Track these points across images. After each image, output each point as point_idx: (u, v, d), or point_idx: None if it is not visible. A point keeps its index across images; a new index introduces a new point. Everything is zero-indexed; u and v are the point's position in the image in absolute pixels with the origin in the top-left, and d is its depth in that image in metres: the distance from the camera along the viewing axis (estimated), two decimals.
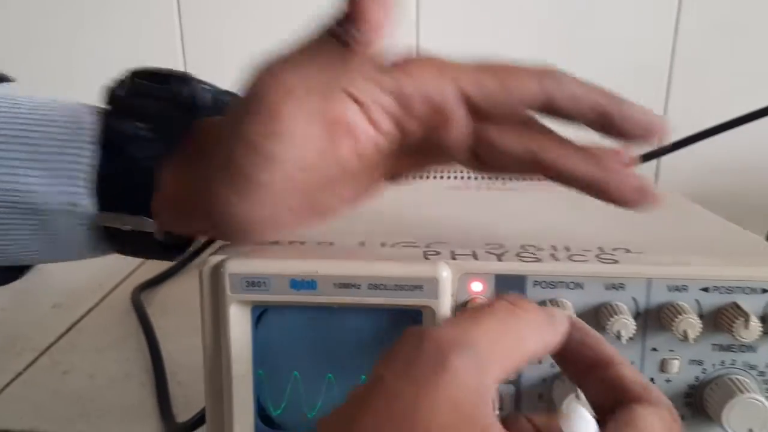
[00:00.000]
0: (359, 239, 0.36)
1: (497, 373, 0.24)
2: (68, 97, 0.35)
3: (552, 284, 0.32)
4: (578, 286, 0.31)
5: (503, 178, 0.56)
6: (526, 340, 0.26)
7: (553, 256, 0.33)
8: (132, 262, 0.77)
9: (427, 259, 0.32)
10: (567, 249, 0.34)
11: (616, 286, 0.31)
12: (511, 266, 0.32)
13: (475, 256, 0.33)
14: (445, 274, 0.32)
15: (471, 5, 0.70)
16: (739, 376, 0.31)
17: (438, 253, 0.33)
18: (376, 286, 0.32)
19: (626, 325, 0.30)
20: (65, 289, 0.71)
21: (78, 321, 0.64)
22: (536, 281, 0.32)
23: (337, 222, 0.40)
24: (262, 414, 0.35)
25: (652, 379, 0.32)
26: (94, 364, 0.57)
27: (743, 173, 0.70)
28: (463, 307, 0.32)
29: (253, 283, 0.32)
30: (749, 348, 0.31)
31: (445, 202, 0.48)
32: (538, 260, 0.32)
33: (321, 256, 0.33)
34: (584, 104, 0.30)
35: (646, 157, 0.60)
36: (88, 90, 0.38)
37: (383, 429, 0.22)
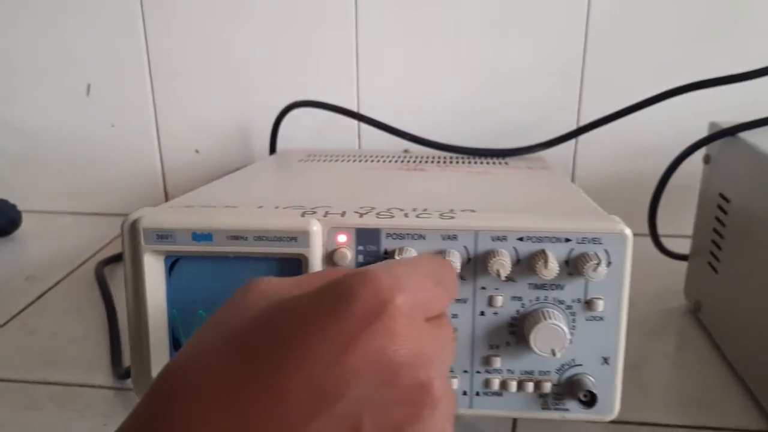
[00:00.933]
0: (260, 204, 0.44)
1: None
2: None
3: (400, 236, 0.39)
4: (421, 237, 0.39)
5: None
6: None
7: (406, 214, 0.40)
8: (101, 240, 0.85)
9: (303, 216, 0.40)
10: (425, 209, 0.42)
11: (451, 237, 0.39)
12: (368, 221, 0.40)
13: (342, 215, 0.40)
14: (315, 228, 0.39)
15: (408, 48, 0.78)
16: (549, 309, 0.39)
17: (314, 212, 0.41)
18: (260, 237, 0.39)
19: (455, 264, 0.38)
20: (39, 262, 0.79)
21: (47, 291, 0.72)
22: (388, 233, 0.39)
23: (246, 190, 0.47)
24: (177, 347, 0.43)
25: (482, 312, 0.40)
26: (58, 325, 0.65)
27: (645, 156, 0.77)
28: (332, 254, 0.40)
29: (163, 236, 0.40)
30: (558, 286, 0.39)
31: (357, 178, 0.56)
32: (391, 217, 0.40)
33: (218, 213, 0.41)
34: None
35: (565, 138, 0.69)
36: None
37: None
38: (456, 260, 0.38)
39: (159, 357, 0.42)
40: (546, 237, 0.39)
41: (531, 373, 0.40)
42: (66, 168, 0.92)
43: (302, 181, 0.53)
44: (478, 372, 0.40)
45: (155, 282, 0.41)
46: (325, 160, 0.66)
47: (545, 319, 0.38)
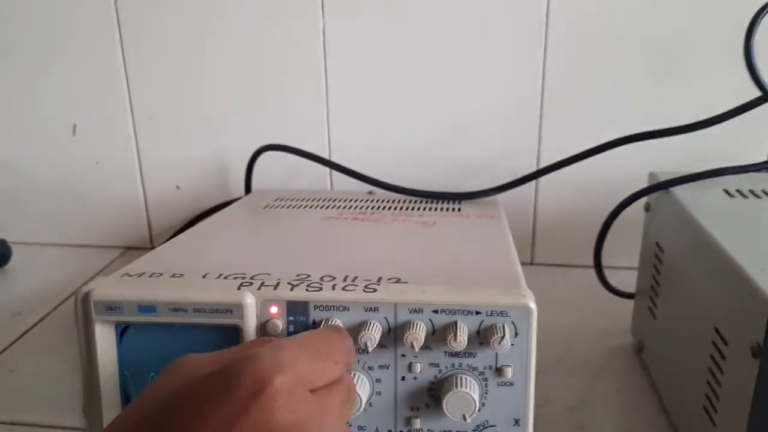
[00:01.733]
0: (205, 271, 0.48)
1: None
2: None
3: (328, 308, 0.43)
4: (345, 309, 0.43)
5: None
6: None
7: (333, 286, 0.44)
8: (87, 273, 0.89)
9: (239, 289, 0.44)
10: (354, 279, 0.45)
11: (372, 309, 0.43)
12: (298, 294, 0.43)
13: (276, 286, 0.44)
14: (249, 300, 0.43)
15: (376, 49, 0.81)
16: (463, 375, 0.42)
17: (250, 284, 0.44)
18: (198, 309, 0.43)
19: (371, 340, 0.41)
20: (26, 297, 0.83)
21: (31, 327, 0.76)
22: (316, 305, 0.43)
23: (197, 254, 0.51)
24: (129, 401, 0.47)
25: (403, 377, 0.43)
26: (38, 364, 0.69)
27: (605, 193, 0.81)
28: (265, 325, 0.43)
29: (112, 307, 0.44)
30: (471, 354, 0.42)
31: (303, 234, 0.59)
32: (319, 289, 0.43)
33: (162, 286, 0.44)
34: None
35: (527, 179, 0.72)
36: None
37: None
38: (376, 332, 0.42)
39: (110, 413, 0.46)
40: (458, 310, 0.42)
41: None
42: (54, 202, 0.96)
43: (254, 240, 0.57)
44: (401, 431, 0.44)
45: (106, 349, 0.45)
46: (290, 206, 0.69)
47: (457, 387, 0.41)
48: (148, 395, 0.34)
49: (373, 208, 0.69)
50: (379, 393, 0.44)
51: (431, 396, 0.43)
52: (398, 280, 0.45)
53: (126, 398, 0.47)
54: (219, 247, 0.55)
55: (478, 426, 0.43)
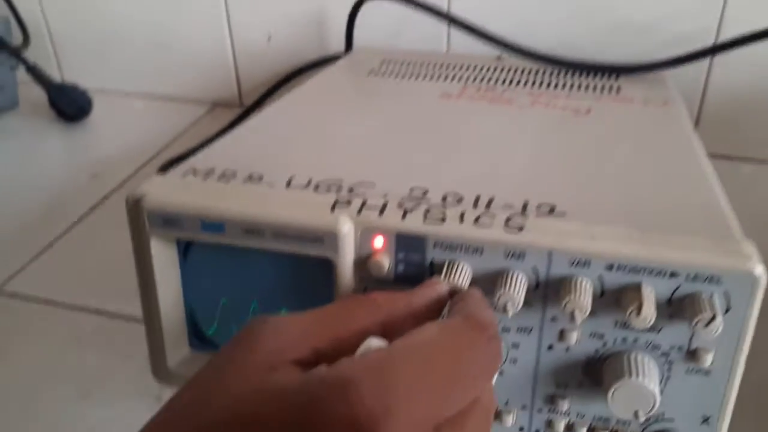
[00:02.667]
0: (291, 172, 0.36)
1: None
2: None
3: (452, 247, 0.31)
4: (478, 251, 0.31)
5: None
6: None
7: (461, 216, 0.31)
8: (170, 131, 0.80)
9: (333, 210, 0.32)
10: (489, 203, 0.33)
11: (516, 255, 0.30)
12: (412, 225, 0.31)
13: (382, 211, 0.32)
14: (346, 228, 0.31)
15: None
16: (638, 354, 0.30)
17: (348, 204, 0.32)
18: (278, 234, 0.32)
19: (513, 300, 0.29)
20: (105, 156, 0.75)
21: (109, 194, 0.69)
22: (436, 243, 0.31)
23: (288, 151, 0.39)
24: (198, 335, 0.38)
25: (550, 346, 0.32)
26: (117, 240, 0.62)
27: None
28: (366, 261, 0.32)
29: (169, 221, 0.33)
30: (654, 328, 0.30)
31: (420, 121, 0.46)
32: (441, 221, 0.31)
33: (233, 197, 0.33)
34: None
35: (706, 53, 0.55)
36: None
37: None
38: (519, 288, 0.30)
39: (176, 348, 0.37)
40: (644, 268, 0.29)
41: (606, 420, 0.32)
42: (138, 49, 0.86)
43: (354, 125, 0.44)
44: (540, 410, 0.33)
45: (166, 268, 0.35)
46: (398, 75, 0.56)
47: (630, 372, 0.29)
48: (192, 410, 0.23)
49: (503, 81, 0.54)
50: (514, 361, 0.32)
51: (587, 374, 0.32)
52: (552, 210, 0.32)
53: (194, 328, 0.38)
54: (310, 133, 0.43)
55: (648, 418, 0.32)
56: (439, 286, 0.29)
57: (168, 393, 0.45)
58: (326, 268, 0.33)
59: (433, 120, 0.46)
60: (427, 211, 0.32)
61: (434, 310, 0.28)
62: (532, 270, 0.30)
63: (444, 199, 0.33)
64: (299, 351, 0.24)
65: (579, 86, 0.53)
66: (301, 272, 0.34)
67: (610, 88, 0.52)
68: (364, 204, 0.32)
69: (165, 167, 0.71)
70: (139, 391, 0.46)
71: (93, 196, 0.68)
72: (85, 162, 0.75)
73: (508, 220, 0.31)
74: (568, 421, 0.33)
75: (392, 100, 0.50)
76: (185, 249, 0.36)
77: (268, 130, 0.44)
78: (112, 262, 0.59)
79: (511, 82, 0.54)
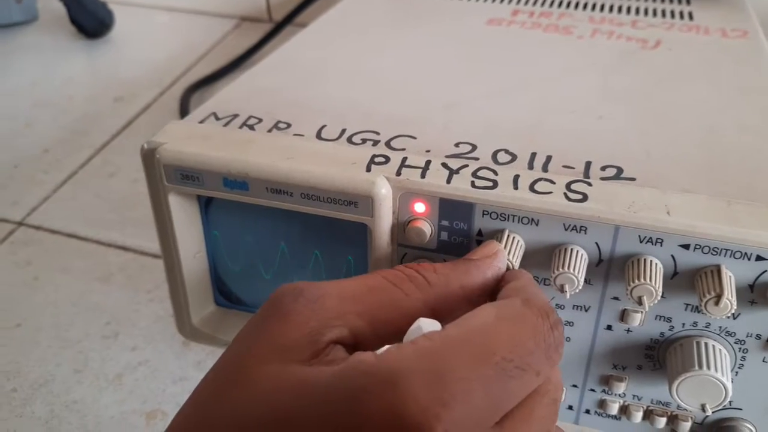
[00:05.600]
0: (323, 121, 0.32)
1: None
2: None
3: (503, 216, 0.27)
4: (533, 222, 0.27)
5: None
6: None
7: (516, 180, 0.27)
8: (195, 50, 0.76)
9: (369, 170, 0.28)
10: (546, 163, 0.29)
11: (578, 229, 0.26)
12: (459, 190, 0.27)
13: (424, 171, 0.28)
14: (384, 191, 0.28)
15: None
16: (708, 341, 0.27)
17: (386, 161, 0.29)
18: (309, 196, 0.29)
19: (572, 281, 0.26)
20: (128, 78, 0.72)
21: (133, 119, 0.66)
22: (485, 211, 0.27)
23: (318, 90, 0.36)
24: (222, 288, 0.36)
25: (609, 326, 0.28)
26: (139, 169, 0.59)
27: None
28: (405, 226, 0.28)
29: (188, 176, 0.30)
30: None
31: (465, 52, 0.41)
32: (493, 186, 0.27)
33: (259, 152, 0.30)
34: None
35: None
36: None
37: None
38: (580, 266, 0.26)
39: (200, 305, 0.35)
40: (726, 249, 0.25)
41: (666, 405, 0.29)
42: None
43: (391, 59, 0.40)
44: (592, 390, 0.30)
45: (187, 223, 0.33)
46: None
47: (701, 364, 0.26)
48: (226, 401, 0.21)
49: (560, 3, 0.48)
50: (567, 339, 0.29)
51: (649, 357, 0.29)
52: (620, 173, 0.28)
53: (218, 284, 0.35)
54: (343, 68, 0.39)
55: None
56: (499, 261, 0.25)
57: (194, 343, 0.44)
58: (360, 233, 0.30)
59: (479, 52, 0.41)
60: (475, 173, 0.28)
61: (490, 290, 0.25)
62: (594, 245, 0.26)
63: (494, 156, 0.29)
64: (337, 330, 0.22)
65: (645, 10, 0.47)
66: (334, 225, 0.31)
67: (681, 13, 0.46)
68: (404, 162, 0.29)
69: (189, 91, 0.67)
70: (166, 336, 0.45)
71: (116, 121, 0.65)
72: (108, 83, 0.71)
73: (569, 185, 0.27)
74: (623, 403, 0.30)
75: (433, 25, 0.45)
76: (207, 200, 0.33)
77: (295, 64, 0.40)
78: (136, 195, 0.57)
79: (568, 4, 0.48)
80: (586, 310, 0.28)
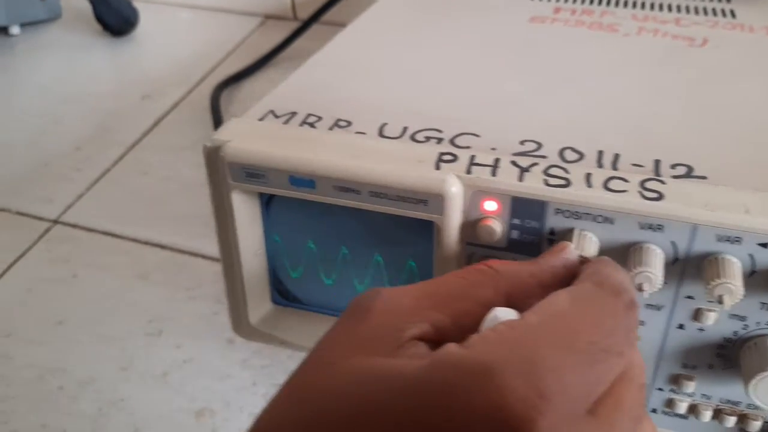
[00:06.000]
0: (383, 119, 0.32)
1: None
2: None
3: (577, 214, 0.27)
4: (608, 220, 0.27)
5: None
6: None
7: (589, 178, 0.27)
8: (221, 47, 0.75)
9: (438, 168, 0.28)
10: (614, 161, 0.29)
11: (654, 227, 0.26)
12: (532, 189, 0.27)
13: (494, 169, 0.28)
14: (454, 189, 0.28)
15: None
16: None
17: (454, 159, 0.29)
18: (377, 194, 0.28)
19: (650, 279, 0.26)
20: (155, 76, 0.72)
21: (162, 117, 0.66)
22: (558, 209, 0.27)
23: (371, 87, 0.35)
24: (279, 287, 0.35)
25: (681, 325, 0.28)
26: (171, 167, 0.59)
27: None
28: (475, 225, 0.28)
29: (253, 174, 0.30)
30: None
31: (511, 50, 0.41)
32: (566, 185, 0.27)
33: (325, 150, 0.30)
34: None
35: None
36: None
37: None
38: (657, 265, 0.26)
39: (258, 304, 0.35)
40: None
41: (736, 404, 0.29)
42: None
43: (437, 56, 0.40)
44: (660, 389, 0.30)
45: (248, 221, 0.32)
46: None
47: None
48: (308, 394, 0.21)
49: (600, 1, 0.48)
50: (638, 338, 0.29)
51: (721, 355, 0.28)
52: (690, 172, 0.28)
53: (277, 284, 0.35)
54: (392, 65, 0.39)
55: None
56: (567, 252, 0.25)
57: (241, 338, 0.44)
58: (426, 231, 0.30)
59: (526, 50, 0.41)
60: (546, 171, 0.28)
61: (562, 280, 0.25)
62: (670, 243, 0.26)
63: (561, 154, 0.29)
64: (419, 327, 0.22)
65: (687, 8, 0.47)
66: (398, 225, 0.31)
67: (723, 11, 0.46)
68: (472, 160, 0.28)
69: (219, 89, 0.67)
70: (210, 333, 0.45)
71: (145, 119, 0.65)
72: (134, 80, 0.71)
73: (643, 184, 0.27)
74: (692, 402, 0.30)
75: (476, 23, 0.44)
76: (268, 199, 0.33)
77: (344, 62, 0.39)
78: (169, 193, 0.56)
79: (609, 2, 0.48)
80: (658, 309, 0.28)
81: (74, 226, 0.54)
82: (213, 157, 0.31)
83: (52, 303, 0.48)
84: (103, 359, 0.44)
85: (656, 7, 0.47)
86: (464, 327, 0.22)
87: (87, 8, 0.78)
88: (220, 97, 0.66)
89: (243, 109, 0.64)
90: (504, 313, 0.21)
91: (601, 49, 0.40)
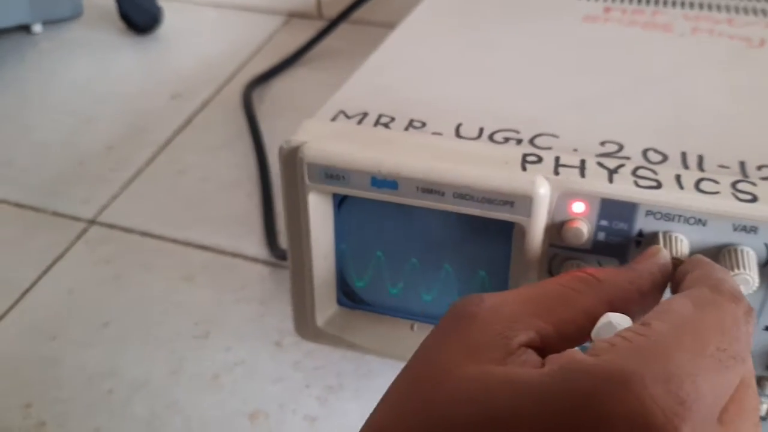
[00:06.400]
0: (457, 119, 0.32)
1: None
2: None
3: (668, 216, 0.27)
4: (700, 222, 0.27)
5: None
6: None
7: (679, 179, 0.27)
8: (247, 45, 0.75)
9: (524, 169, 0.28)
10: (699, 162, 0.29)
11: (748, 229, 0.26)
12: (622, 190, 0.27)
13: (582, 171, 0.28)
14: (542, 191, 0.28)
15: None
16: None
17: (539, 160, 0.29)
18: (462, 195, 0.28)
19: (747, 282, 0.26)
20: (183, 75, 0.71)
21: (193, 116, 0.65)
22: (650, 211, 0.27)
23: (438, 87, 0.35)
24: (346, 292, 0.35)
25: (766, 327, 0.28)
26: (206, 166, 0.59)
27: None
28: (561, 227, 0.28)
29: (333, 175, 0.30)
30: None
31: (571, 50, 0.41)
32: (657, 186, 0.27)
33: (406, 150, 0.29)
34: None
35: None
36: None
37: None
38: (752, 266, 0.26)
39: (324, 304, 0.35)
40: None
41: None
42: None
43: (498, 53, 0.40)
44: None
45: (321, 222, 0.32)
46: None
47: None
48: (415, 406, 0.21)
49: (648, 0, 0.48)
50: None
51: None
52: None
53: (342, 284, 0.35)
54: (455, 66, 0.39)
55: None
56: (660, 256, 0.26)
57: (289, 338, 0.44)
58: (504, 229, 0.30)
59: (586, 49, 0.40)
60: (635, 173, 0.28)
61: (659, 284, 0.25)
62: (763, 245, 0.26)
63: (645, 155, 0.29)
64: (526, 334, 0.21)
65: (736, 9, 0.47)
66: (471, 230, 0.31)
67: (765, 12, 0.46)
68: (558, 162, 0.28)
69: (249, 88, 0.66)
70: (258, 336, 0.44)
71: (176, 118, 0.65)
72: (162, 79, 0.71)
73: (734, 185, 0.27)
74: None
75: (530, 23, 0.44)
76: (340, 200, 0.32)
77: (405, 62, 0.39)
78: (207, 193, 0.56)
79: (656, 1, 0.48)
80: None
81: (112, 226, 0.54)
82: (290, 158, 0.30)
83: (96, 305, 0.47)
84: (153, 362, 0.43)
85: (705, 6, 0.47)
86: (567, 335, 0.22)
87: (108, 6, 0.78)
88: (252, 95, 0.65)
89: (274, 109, 0.65)
90: (617, 319, 0.21)
91: (662, 49, 0.40)
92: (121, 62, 0.74)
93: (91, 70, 0.72)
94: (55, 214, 0.55)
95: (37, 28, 0.77)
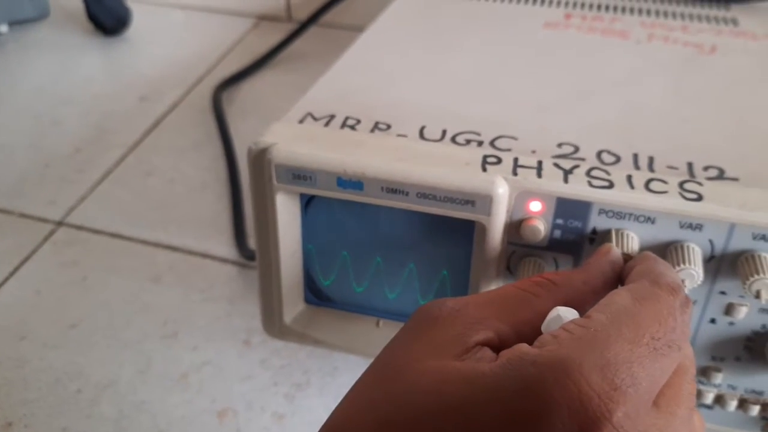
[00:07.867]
0: (421, 122, 0.33)
1: None
2: None
3: (620, 215, 0.28)
4: (649, 220, 0.28)
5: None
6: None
7: (630, 179, 0.29)
8: (215, 48, 0.75)
9: (484, 169, 0.29)
10: (650, 163, 0.30)
11: (693, 227, 0.28)
12: (576, 190, 0.28)
13: (539, 171, 0.29)
14: (501, 191, 0.29)
15: None
16: None
17: (499, 161, 0.30)
18: (425, 195, 0.29)
19: (692, 276, 0.27)
20: (151, 76, 0.71)
21: (161, 118, 0.66)
22: (602, 209, 0.28)
23: (403, 90, 0.36)
24: (312, 288, 0.36)
25: (713, 320, 0.30)
26: (175, 168, 0.59)
27: None
28: (519, 225, 0.29)
29: (300, 176, 0.31)
30: None
31: (532, 55, 0.42)
32: (610, 186, 0.28)
33: (372, 152, 0.30)
34: None
35: None
36: None
37: None
38: (696, 262, 0.28)
39: (291, 302, 0.35)
40: None
41: (760, 393, 0.31)
42: None
43: (463, 59, 0.41)
44: None
45: (288, 222, 0.33)
46: None
47: None
48: (382, 396, 0.22)
49: (606, 8, 0.50)
50: None
51: (748, 348, 0.30)
52: (722, 174, 0.30)
53: (309, 281, 0.36)
54: (420, 70, 0.40)
55: None
56: (612, 254, 0.27)
57: (257, 337, 0.44)
58: (465, 228, 0.31)
59: (544, 54, 0.42)
60: (588, 173, 0.29)
61: (611, 280, 0.27)
62: (708, 242, 0.28)
63: (599, 157, 0.31)
64: (483, 333, 0.23)
65: (690, 16, 0.49)
66: (434, 230, 0.32)
67: (725, 19, 0.48)
68: (516, 163, 0.30)
69: (218, 90, 0.67)
70: (226, 335, 0.45)
71: (144, 121, 0.65)
72: (130, 81, 0.71)
73: (682, 185, 0.28)
74: (717, 393, 0.31)
75: (491, 29, 0.46)
76: (307, 200, 0.33)
77: (372, 66, 0.40)
78: (175, 194, 0.56)
79: (615, 8, 0.50)
80: (693, 304, 0.29)
81: (80, 228, 0.54)
82: (259, 160, 0.31)
83: (63, 306, 0.47)
84: (121, 362, 0.43)
85: (661, 14, 0.49)
86: (524, 335, 0.23)
87: (75, 7, 0.77)
88: (221, 97, 0.66)
89: (243, 111, 0.66)
90: (565, 312, 0.23)
91: (620, 55, 0.42)
92: (89, 64, 0.74)
93: (58, 71, 0.72)
94: (23, 215, 0.55)
95: (2, 28, 0.77)
